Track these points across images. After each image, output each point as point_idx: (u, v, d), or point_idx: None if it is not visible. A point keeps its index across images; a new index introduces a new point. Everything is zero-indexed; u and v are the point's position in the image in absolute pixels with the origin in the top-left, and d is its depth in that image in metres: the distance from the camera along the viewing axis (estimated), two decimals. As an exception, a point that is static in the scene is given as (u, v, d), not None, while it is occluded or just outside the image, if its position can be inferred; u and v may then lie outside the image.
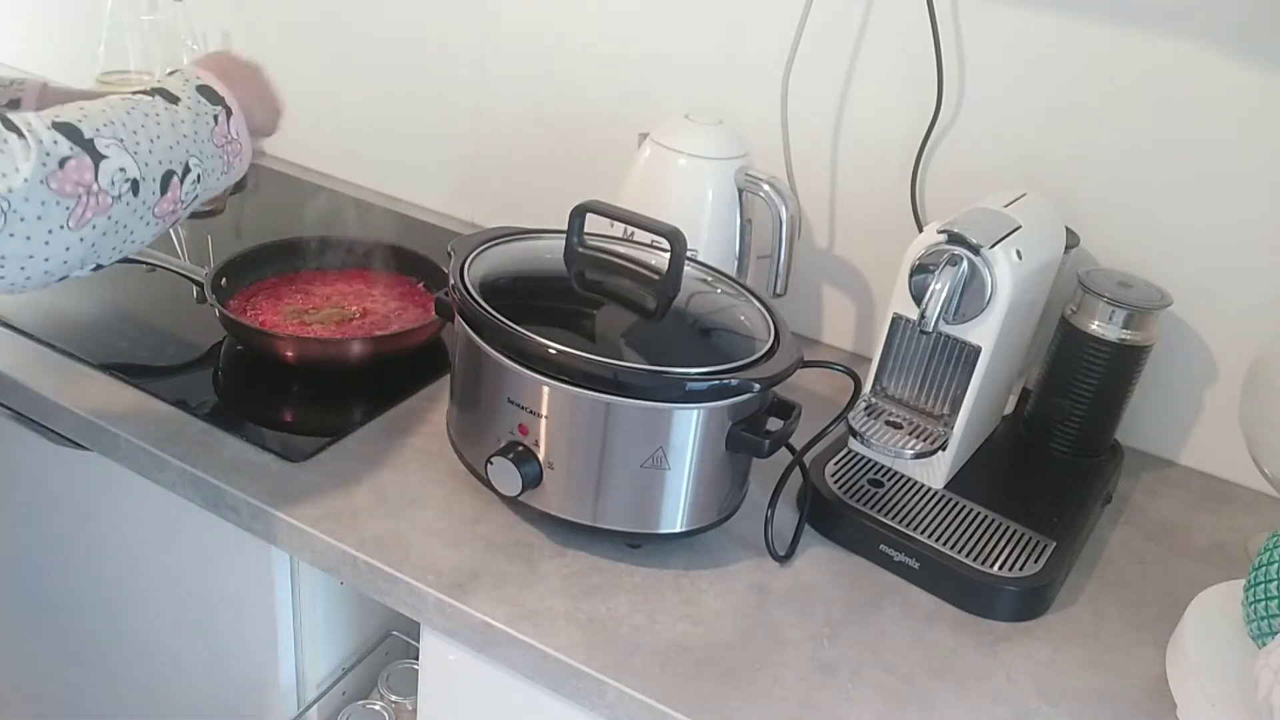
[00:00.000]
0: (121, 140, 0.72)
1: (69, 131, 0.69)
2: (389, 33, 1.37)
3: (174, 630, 1.03)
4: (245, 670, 0.99)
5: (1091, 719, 0.74)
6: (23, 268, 0.68)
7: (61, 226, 0.68)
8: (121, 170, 0.71)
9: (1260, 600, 0.71)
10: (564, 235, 0.88)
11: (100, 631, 1.11)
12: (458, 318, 0.83)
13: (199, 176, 0.78)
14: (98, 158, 0.69)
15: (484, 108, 1.34)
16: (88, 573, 1.07)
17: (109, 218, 0.71)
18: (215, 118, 0.80)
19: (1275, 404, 0.87)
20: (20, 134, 0.66)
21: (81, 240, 0.70)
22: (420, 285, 1.13)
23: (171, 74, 0.82)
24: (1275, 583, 0.70)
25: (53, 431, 0.96)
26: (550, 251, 0.89)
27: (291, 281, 1.10)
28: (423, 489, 0.88)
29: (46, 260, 0.69)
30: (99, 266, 0.74)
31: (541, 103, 1.29)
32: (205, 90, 0.81)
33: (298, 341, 0.99)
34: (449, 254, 0.87)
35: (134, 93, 0.77)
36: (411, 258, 1.14)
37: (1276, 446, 0.87)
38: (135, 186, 0.72)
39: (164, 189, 0.75)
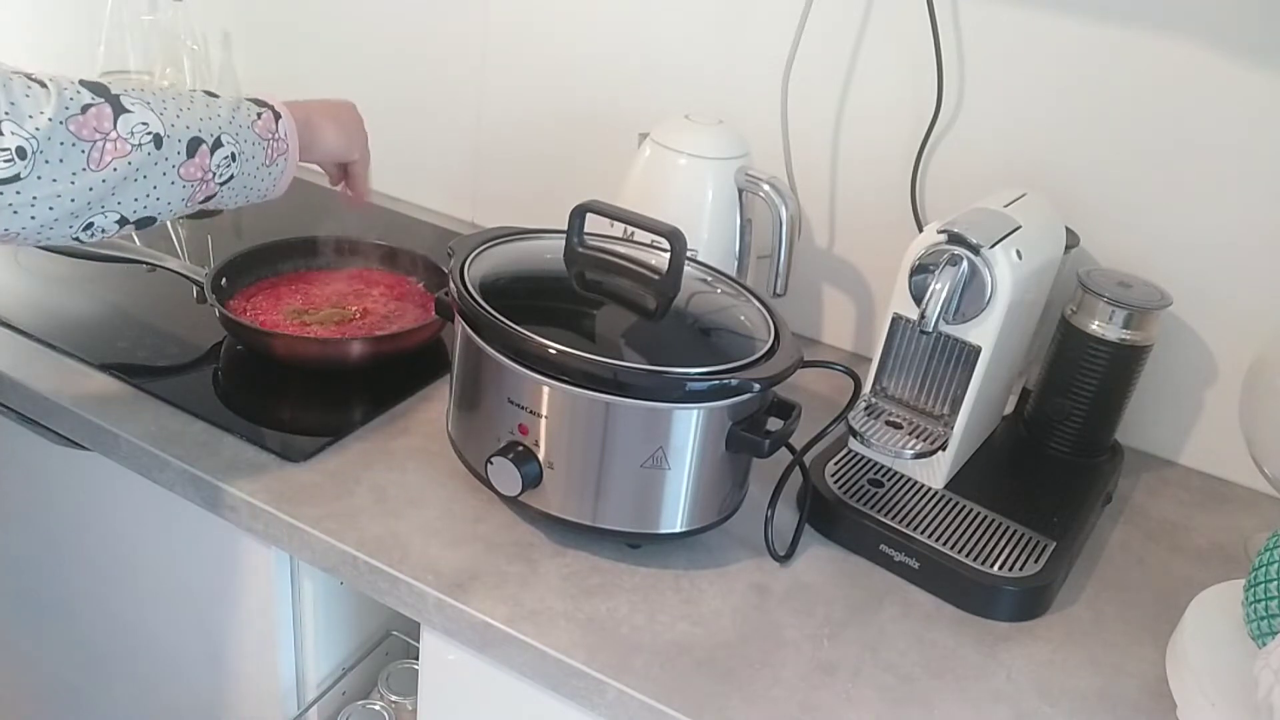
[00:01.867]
0: (148, 102, 0.76)
1: (95, 88, 0.74)
2: (389, 33, 1.37)
3: (173, 630, 1.03)
4: (245, 670, 0.99)
5: (1091, 719, 0.74)
6: (51, 207, 0.72)
7: (83, 168, 0.72)
8: (144, 124, 0.75)
9: (1260, 600, 0.71)
10: (564, 235, 0.88)
11: (99, 631, 1.11)
12: (458, 318, 0.83)
13: (233, 155, 0.82)
14: (120, 110, 0.74)
15: (484, 108, 1.34)
16: (87, 573, 1.07)
17: (129, 163, 0.74)
18: (259, 114, 0.85)
19: (1275, 404, 0.87)
20: (44, 85, 0.71)
21: (104, 181, 0.73)
22: (420, 285, 1.13)
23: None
24: (1275, 583, 0.70)
25: (53, 431, 0.96)
26: (550, 251, 0.89)
27: (291, 281, 1.10)
28: (423, 489, 0.88)
29: (73, 201, 0.72)
30: (124, 220, 0.77)
31: (541, 103, 1.29)
32: (252, 99, 0.85)
33: (297, 341, 0.99)
34: (449, 254, 0.87)
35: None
36: (411, 258, 1.14)
37: (1276, 446, 0.87)
38: (158, 140, 0.76)
39: (190, 153, 0.78)
